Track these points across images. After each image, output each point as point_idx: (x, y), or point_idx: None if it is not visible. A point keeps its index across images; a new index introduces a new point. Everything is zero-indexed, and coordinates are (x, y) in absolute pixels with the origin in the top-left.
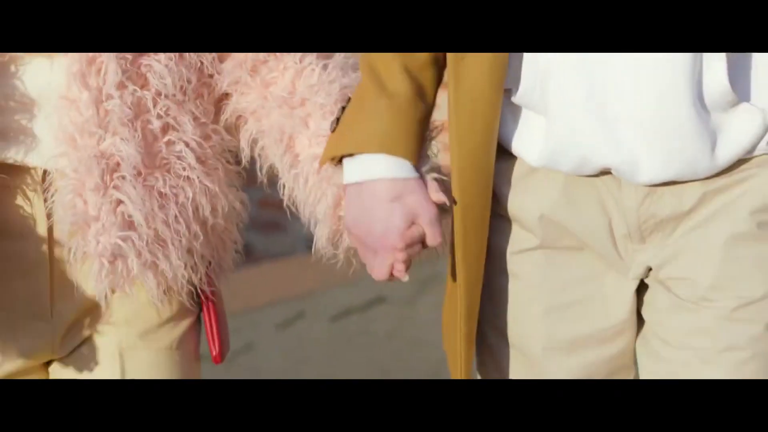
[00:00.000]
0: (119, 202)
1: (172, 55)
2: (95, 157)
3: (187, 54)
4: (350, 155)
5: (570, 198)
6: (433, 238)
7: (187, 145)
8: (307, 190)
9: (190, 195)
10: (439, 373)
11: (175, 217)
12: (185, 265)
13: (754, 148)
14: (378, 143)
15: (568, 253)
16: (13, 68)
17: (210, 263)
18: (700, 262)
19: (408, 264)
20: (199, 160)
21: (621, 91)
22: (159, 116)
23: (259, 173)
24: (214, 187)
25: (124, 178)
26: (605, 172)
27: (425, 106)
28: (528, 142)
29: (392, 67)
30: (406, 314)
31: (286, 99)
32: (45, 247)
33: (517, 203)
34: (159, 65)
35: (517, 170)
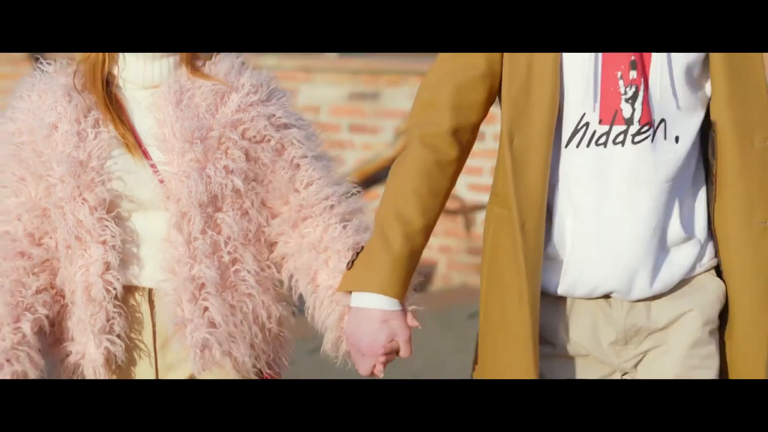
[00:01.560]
0: (206, 308)
1: (238, 212)
2: (188, 279)
3: (250, 212)
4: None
5: (574, 318)
6: (405, 352)
7: (249, 272)
8: (322, 309)
9: (251, 306)
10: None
11: (241, 321)
12: (249, 355)
13: (693, 268)
14: (379, 287)
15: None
16: (134, 218)
17: (270, 356)
18: (665, 365)
19: (384, 366)
20: (257, 282)
21: (618, 237)
22: (229, 253)
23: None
24: (268, 302)
25: (209, 292)
26: (604, 296)
27: (414, 262)
28: (552, 279)
29: (396, 231)
30: None
31: (315, 245)
32: (151, 344)
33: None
34: (229, 218)
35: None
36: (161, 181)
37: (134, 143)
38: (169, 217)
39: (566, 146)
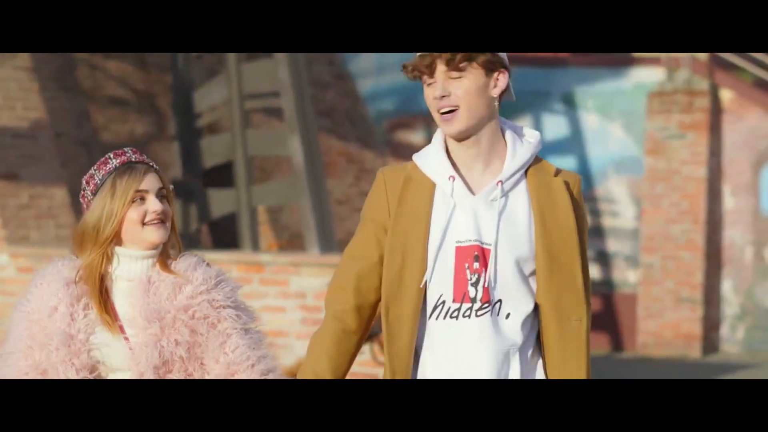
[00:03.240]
0: None
1: (183, 374)
2: None
3: (194, 374)
4: None
5: None
6: None
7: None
8: None
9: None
10: None
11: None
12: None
13: None
14: None
15: None
16: (109, 378)
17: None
18: None
19: None
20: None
21: (471, 373)
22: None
23: None
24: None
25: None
26: None
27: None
28: None
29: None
30: None
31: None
32: None
33: None
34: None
35: None
36: (131, 349)
37: (113, 322)
38: (131, 375)
39: (429, 318)
